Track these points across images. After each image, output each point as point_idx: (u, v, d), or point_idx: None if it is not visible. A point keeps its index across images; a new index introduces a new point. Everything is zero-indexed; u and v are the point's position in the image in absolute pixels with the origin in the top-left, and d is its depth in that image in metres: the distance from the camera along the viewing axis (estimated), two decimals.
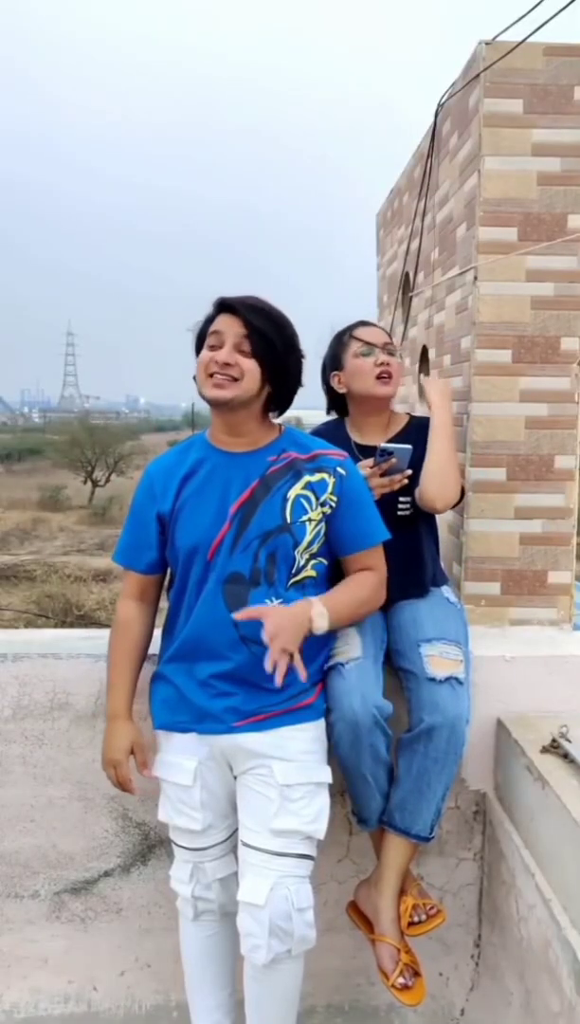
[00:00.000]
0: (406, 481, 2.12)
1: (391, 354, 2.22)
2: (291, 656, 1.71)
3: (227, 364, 1.79)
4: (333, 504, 1.89)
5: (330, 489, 1.89)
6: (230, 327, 1.80)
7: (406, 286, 3.47)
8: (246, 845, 1.86)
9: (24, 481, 36.82)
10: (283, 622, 1.73)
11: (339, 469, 1.91)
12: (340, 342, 2.26)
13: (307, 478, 1.88)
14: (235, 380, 1.79)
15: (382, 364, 2.19)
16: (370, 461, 2.11)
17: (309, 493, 1.87)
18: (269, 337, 1.80)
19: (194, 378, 1.86)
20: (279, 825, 1.81)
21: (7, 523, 25.65)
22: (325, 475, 1.89)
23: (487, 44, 2.37)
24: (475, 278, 2.46)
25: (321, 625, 1.81)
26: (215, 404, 1.83)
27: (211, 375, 1.80)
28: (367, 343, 2.21)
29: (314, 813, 1.84)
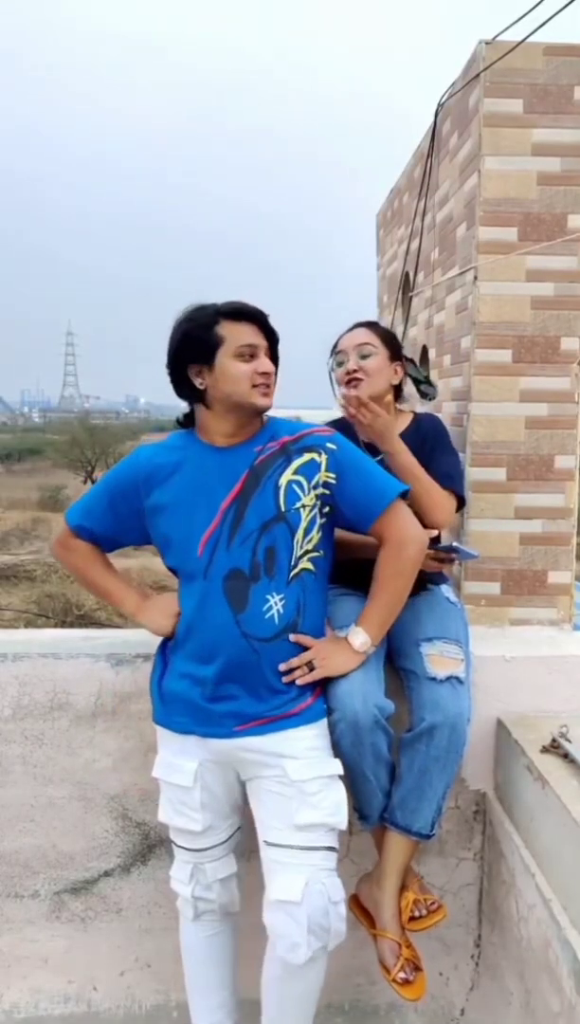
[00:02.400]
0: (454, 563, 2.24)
1: (365, 356, 2.19)
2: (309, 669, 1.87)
3: (269, 374, 1.86)
4: (332, 481, 1.87)
5: (323, 467, 1.88)
6: (259, 338, 1.86)
7: (406, 286, 3.47)
8: (271, 844, 1.84)
9: (24, 481, 36.84)
10: (324, 646, 1.89)
11: (329, 444, 1.90)
12: (334, 345, 2.28)
13: (296, 461, 1.88)
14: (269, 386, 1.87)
15: (349, 372, 2.19)
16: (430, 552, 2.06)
17: (300, 478, 1.87)
18: (278, 342, 1.90)
19: (178, 383, 1.89)
20: (302, 820, 1.80)
21: (7, 523, 25.64)
22: (313, 455, 1.88)
23: (487, 44, 2.37)
24: (475, 278, 2.46)
25: (362, 641, 1.90)
26: (261, 411, 1.88)
27: (256, 385, 1.84)
28: (340, 351, 2.23)
29: (334, 804, 1.84)
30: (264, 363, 1.85)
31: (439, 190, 2.91)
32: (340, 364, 2.23)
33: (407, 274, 3.43)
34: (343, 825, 1.85)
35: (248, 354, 1.84)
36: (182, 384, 1.89)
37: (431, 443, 2.21)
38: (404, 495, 1.91)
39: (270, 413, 1.94)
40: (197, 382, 1.86)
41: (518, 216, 2.42)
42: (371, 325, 2.29)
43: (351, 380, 2.19)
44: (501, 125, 2.39)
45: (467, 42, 2.58)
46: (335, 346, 2.26)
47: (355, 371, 2.19)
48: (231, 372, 1.83)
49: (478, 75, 2.39)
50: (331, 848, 1.84)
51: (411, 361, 2.40)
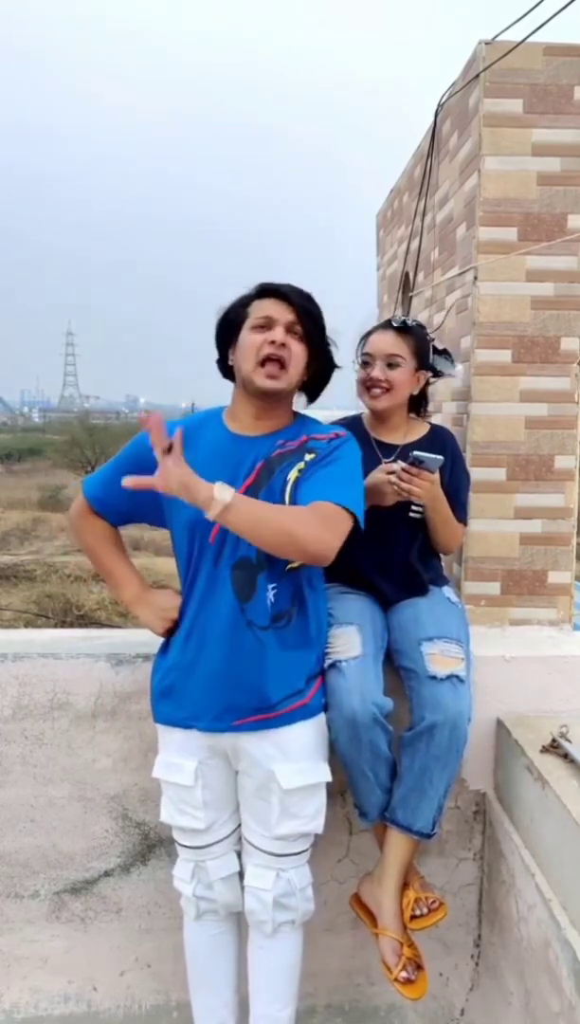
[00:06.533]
0: (432, 484, 2.01)
1: (393, 366, 2.12)
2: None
3: (282, 345, 1.78)
4: (312, 459, 1.82)
5: (316, 455, 1.84)
6: (281, 311, 1.81)
7: (406, 286, 3.48)
8: (250, 844, 1.93)
9: (24, 481, 36.82)
10: (176, 468, 1.61)
11: (334, 444, 1.87)
12: (364, 336, 2.20)
13: (308, 458, 1.83)
14: (283, 368, 1.79)
15: (372, 379, 2.13)
16: (394, 466, 2.00)
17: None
18: (317, 320, 1.84)
19: (219, 364, 1.89)
20: (281, 831, 1.88)
21: (7, 523, 25.63)
22: (315, 455, 1.85)
23: (487, 44, 2.37)
24: (475, 278, 2.46)
25: (222, 497, 1.60)
26: (266, 395, 1.82)
27: (263, 363, 1.79)
28: (367, 353, 2.15)
29: (312, 811, 1.90)
30: (276, 333, 1.79)
31: (439, 190, 2.91)
32: (365, 365, 2.16)
33: (407, 274, 3.43)
34: (319, 829, 1.93)
35: (262, 325, 1.81)
36: (224, 365, 1.92)
37: (449, 464, 2.13)
38: (355, 519, 1.77)
39: None
40: (230, 359, 1.89)
41: (518, 216, 2.43)
42: (403, 332, 2.16)
43: (373, 387, 2.14)
44: (501, 125, 2.39)
45: (468, 42, 2.58)
46: (363, 343, 2.18)
47: (380, 380, 2.13)
48: (243, 343, 1.82)
49: (478, 75, 2.39)
50: (302, 851, 1.94)
51: (444, 352, 2.28)
